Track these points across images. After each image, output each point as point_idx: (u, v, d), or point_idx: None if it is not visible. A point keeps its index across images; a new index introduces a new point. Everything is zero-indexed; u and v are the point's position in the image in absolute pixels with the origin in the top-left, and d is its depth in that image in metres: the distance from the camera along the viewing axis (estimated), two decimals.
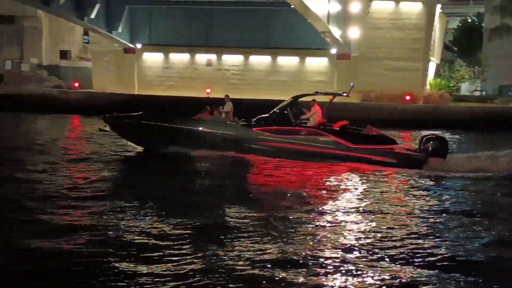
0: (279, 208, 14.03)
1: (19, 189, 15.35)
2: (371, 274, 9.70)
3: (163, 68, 48.92)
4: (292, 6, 38.75)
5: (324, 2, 40.76)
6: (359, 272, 9.75)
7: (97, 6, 43.23)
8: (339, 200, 15.55)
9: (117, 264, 9.79)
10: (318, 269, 9.85)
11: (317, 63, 46.92)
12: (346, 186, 17.61)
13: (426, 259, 10.47)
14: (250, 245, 10.98)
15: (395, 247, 11.09)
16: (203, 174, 18.92)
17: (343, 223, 12.96)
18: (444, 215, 13.93)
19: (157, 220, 12.57)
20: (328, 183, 17.83)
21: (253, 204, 14.39)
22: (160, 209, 13.48)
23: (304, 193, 15.99)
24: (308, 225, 12.63)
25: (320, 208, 14.18)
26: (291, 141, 21.12)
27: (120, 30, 46.61)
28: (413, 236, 11.90)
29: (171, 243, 10.95)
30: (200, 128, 21.69)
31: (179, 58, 48.81)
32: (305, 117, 21.93)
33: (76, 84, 46.82)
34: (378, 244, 11.30)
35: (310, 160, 20.67)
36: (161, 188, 16.31)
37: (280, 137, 21.18)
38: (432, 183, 18.29)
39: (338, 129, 21.46)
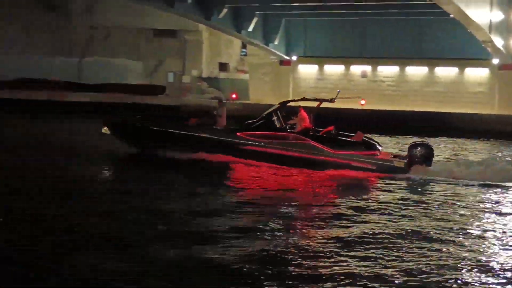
0: (253, 212, 14.37)
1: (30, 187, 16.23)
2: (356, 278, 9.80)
3: (317, 79, 49.20)
4: (451, 16, 37.59)
5: (485, 11, 39.15)
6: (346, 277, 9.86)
7: (255, 20, 44.28)
8: (316, 205, 15.70)
9: (116, 264, 10.05)
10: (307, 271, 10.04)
11: (477, 74, 45.15)
12: (323, 191, 17.94)
13: (409, 263, 10.62)
14: (230, 248, 11.20)
15: (380, 250, 11.36)
16: (183, 178, 19.41)
17: (322, 227, 13.17)
18: (423, 220, 14.13)
19: (142, 221, 13.08)
20: (304, 188, 18.28)
21: (227, 209, 14.72)
22: (140, 211, 13.96)
23: (279, 198, 16.38)
24: (289, 231, 12.82)
25: (296, 213, 14.65)
26: (271, 145, 21.54)
27: (276, 42, 47.46)
28: (392, 239, 12.13)
29: (162, 243, 11.28)
30: (187, 132, 22.44)
31: (334, 69, 48.88)
32: (291, 123, 22.32)
33: (234, 96, 48.17)
34: (359, 246, 11.59)
35: (290, 165, 21.04)
36: (142, 191, 16.82)
37: (261, 141, 21.64)
38: (414, 189, 18.40)
39: (321, 134, 21.85)
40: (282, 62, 49.38)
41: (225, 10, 41.28)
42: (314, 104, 23.22)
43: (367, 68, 48.08)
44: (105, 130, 23.34)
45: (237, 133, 22.09)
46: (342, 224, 13.44)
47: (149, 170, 20.60)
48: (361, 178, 19.95)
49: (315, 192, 17.84)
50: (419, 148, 20.89)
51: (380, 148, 21.71)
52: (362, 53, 47.72)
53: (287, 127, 22.15)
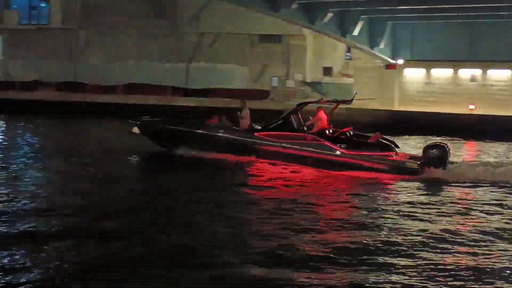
0: (266, 211, 14.80)
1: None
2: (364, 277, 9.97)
3: (424, 83, 48.13)
4: None
5: None
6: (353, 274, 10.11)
7: (360, 23, 43.87)
8: (324, 203, 16.20)
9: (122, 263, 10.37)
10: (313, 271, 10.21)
11: None
12: (334, 190, 18.59)
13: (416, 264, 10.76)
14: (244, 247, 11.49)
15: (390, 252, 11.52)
16: (196, 177, 20.25)
17: (333, 226, 13.52)
18: (432, 220, 14.31)
19: (158, 220, 13.55)
20: (313, 188, 18.88)
21: (242, 207, 15.41)
22: (159, 209, 14.63)
23: (286, 197, 16.88)
24: (299, 228, 13.09)
25: (308, 211, 15.01)
26: (285, 145, 22.19)
27: (382, 46, 46.85)
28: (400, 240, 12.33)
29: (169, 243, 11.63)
30: (206, 132, 23.46)
31: (441, 73, 47.65)
32: (309, 123, 23.02)
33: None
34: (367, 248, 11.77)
35: (304, 164, 21.68)
36: (163, 188, 17.80)
37: (277, 141, 22.34)
38: (425, 191, 18.49)
39: (336, 135, 22.34)
40: (388, 66, 48.68)
41: (330, 15, 41.11)
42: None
43: (477, 72, 46.57)
44: (135, 130, 24.91)
45: (255, 133, 22.89)
46: (349, 225, 13.74)
47: (164, 169, 21.87)
48: (372, 179, 20.15)
49: (323, 192, 18.31)
50: (434, 150, 20.84)
51: (396, 149, 21.92)
52: (472, 56, 46.29)
53: (305, 128, 22.77)
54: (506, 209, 15.99)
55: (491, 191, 18.49)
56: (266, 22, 51.30)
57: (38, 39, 58.23)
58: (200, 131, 23.64)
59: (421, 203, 16.45)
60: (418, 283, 9.91)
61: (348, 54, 57.01)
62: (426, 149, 21.21)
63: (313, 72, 57.14)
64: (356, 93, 23.46)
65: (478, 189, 18.81)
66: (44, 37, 58.35)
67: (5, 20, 58.57)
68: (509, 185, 19.12)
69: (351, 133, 22.72)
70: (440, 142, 22.24)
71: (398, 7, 40.86)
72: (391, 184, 19.74)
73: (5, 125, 38.81)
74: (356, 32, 44.03)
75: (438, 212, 15.40)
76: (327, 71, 57.14)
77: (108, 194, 16.89)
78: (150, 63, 57.84)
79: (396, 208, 15.66)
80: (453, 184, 19.46)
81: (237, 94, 51.30)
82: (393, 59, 48.20)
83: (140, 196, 16.62)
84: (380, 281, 9.99)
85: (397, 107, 47.03)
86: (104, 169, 21.37)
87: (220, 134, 23.25)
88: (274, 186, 18.69)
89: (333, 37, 46.10)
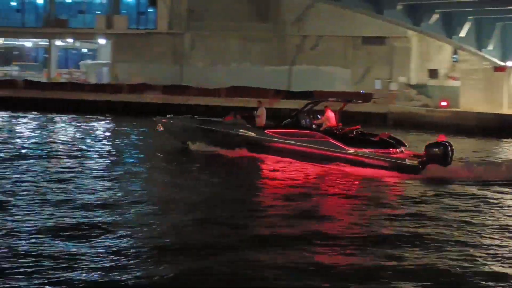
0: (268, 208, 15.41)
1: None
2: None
3: None
4: None
5: None
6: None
7: (467, 24, 42.63)
8: (326, 200, 16.78)
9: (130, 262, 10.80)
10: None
11: None
12: (335, 187, 19.29)
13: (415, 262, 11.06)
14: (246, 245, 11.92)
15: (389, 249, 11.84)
16: (207, 172, 21.50)
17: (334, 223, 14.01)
18: (430, 218, 14.66)
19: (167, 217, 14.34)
20: (319, 183, 19.77)
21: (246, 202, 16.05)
22: (167, 206, 15.36)
23: (294, 193, 17.54)
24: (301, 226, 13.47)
25: (311, 208, 15.55)
26: (292, 142, 23.19)
27: (490, 48, 45.33)
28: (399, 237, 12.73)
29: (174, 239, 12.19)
30: (221, 129, 24.85)
31: None
32: (318, 122, 24.07)
33: (444, 103, 46.63)
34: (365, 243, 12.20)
35: (309, 161, 22.63)
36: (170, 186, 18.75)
37: (285, 138, 23.41)
38: (425, 189, 18.73)
39: (342, 133, 23.12)
40: (497, 68, 46.97)
41: (435, 16, 40.22)
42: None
43: None
44: (158, 127, 26.71)
45: (266, 131, 23.96)
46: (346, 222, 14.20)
47: (176, 164, 23.36)
48: (371, 176, 20.59)
49: (326, 189, 19.01)
50: (435, 148, 21.07)
51: (401, 147, 22.20)
52: None
53: (313, 126, 23.75)
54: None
55: (488, 189, 18.66)
56: (369, 24, 50.76)
57: (145, 43, 60.08)
58: (215, 128, 25.17)
59: (420, 201, 16.86)
60: (418, 278, 10.21)
61: (455, 56, 55.51)
62: (428, 147, 21.53)
63: (418, 75, 55.97)
64: (363, 92, 24.58)
65: (474, 186, 18.98)
66: (151, 41, 60.14)
67: (114, 25, 60.77)
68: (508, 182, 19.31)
69: (358, 132, 23.53)
70: (442, 140, 22.18)
71: (508, 7, 39.38)
72: (390, 181, 20.23)
73: (114, 126, 40.36)
74: (463, 33, 42.83)
75: (433, 209, 15.79)
76: (433, 73, 55.78)
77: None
78: (252, 66, 58.47)
79: (392, 205, 16.13)
80: (451, 183, 19.62)
81: (339, 96, 51.03)
82: (502, 61, 46.50)
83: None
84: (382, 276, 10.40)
85: (506, 110, 45.33)
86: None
87: (234, 132, 24.56)
88: (272, 182, 19.58)
89: (439, 38, 45.09)
